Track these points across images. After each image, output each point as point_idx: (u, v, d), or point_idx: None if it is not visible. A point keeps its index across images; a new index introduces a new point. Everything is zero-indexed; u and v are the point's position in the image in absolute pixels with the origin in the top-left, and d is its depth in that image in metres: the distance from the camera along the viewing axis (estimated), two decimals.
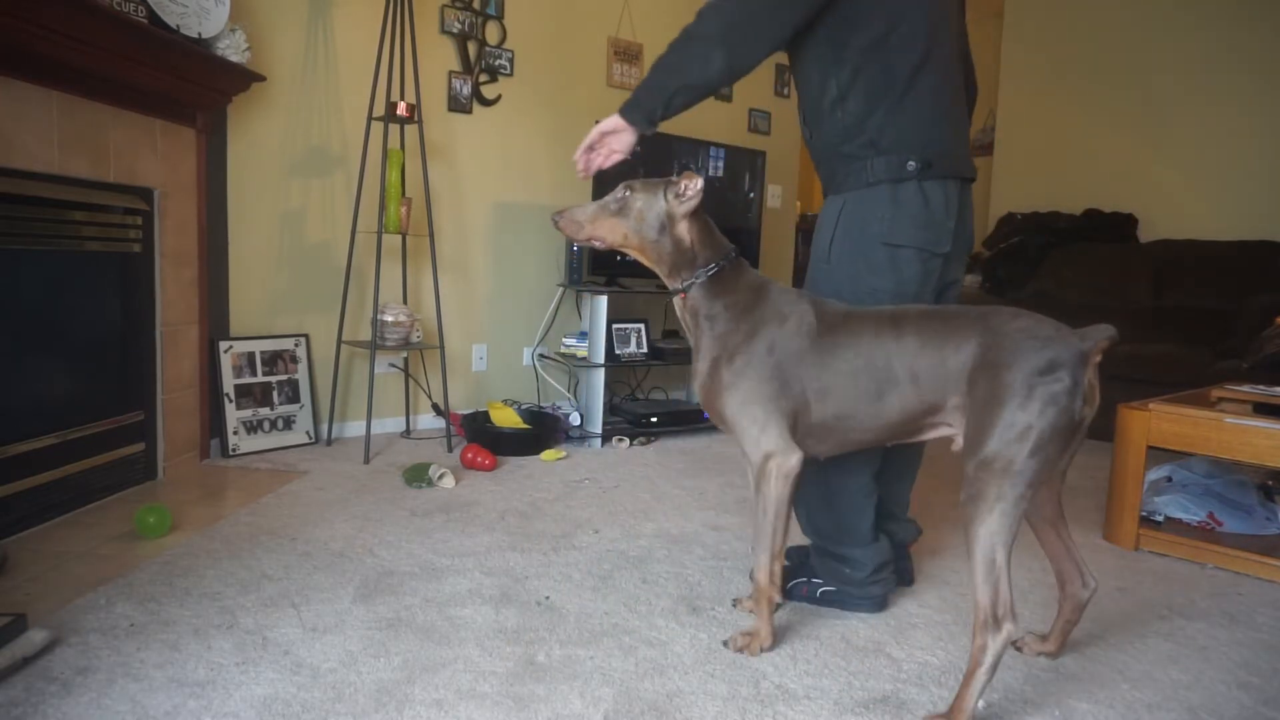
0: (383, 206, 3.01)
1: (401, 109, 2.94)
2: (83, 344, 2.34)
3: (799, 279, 3.14)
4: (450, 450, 3.12)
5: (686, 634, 1.68)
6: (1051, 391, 1.35)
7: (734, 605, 1.83)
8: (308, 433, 3.10)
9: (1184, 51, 4.57)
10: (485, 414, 3.32)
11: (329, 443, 3.13)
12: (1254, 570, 2.16)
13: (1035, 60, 5.16)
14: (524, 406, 3.49)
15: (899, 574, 1.93)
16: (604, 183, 3.38)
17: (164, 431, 2.58)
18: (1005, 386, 1.37)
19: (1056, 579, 1.63)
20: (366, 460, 2.90)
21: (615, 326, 3.47)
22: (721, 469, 3.05)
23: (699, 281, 1.63)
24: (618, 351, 3.45)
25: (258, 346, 2.99)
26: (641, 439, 3.42)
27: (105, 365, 2.41)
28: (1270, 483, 2.57)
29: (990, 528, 1.34)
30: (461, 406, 3.53)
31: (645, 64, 3.98)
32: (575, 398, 3.79)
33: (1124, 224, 4.71)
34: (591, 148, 1.72)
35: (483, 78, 3.49)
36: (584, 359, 3.40)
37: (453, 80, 3.40)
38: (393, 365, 3.37)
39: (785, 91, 4.43)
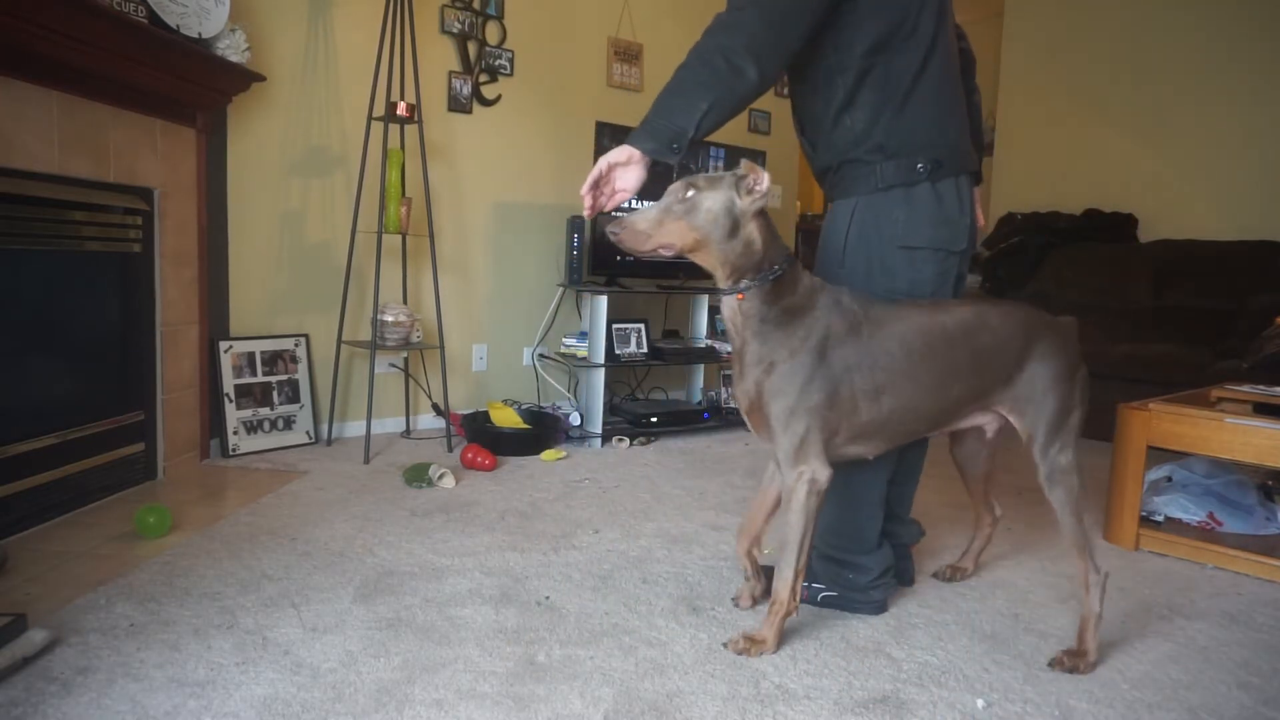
0: (383, 206, 3.01)
1: (401, 109, 2.94)
2: (83, 344, 2.33)
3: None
4: (450, 450, 3.12)
5: (686, 634, 1.68)
6: (1084, 375, 1.68)
7: (734, 603, 1.83)
8: (308, 433, 3.10)
9: (1184, 52, 4.57)
10: (485, 414, 3.32)
11: (329, 443, 3.13)
12: (1254, 570, 2.16)
13: (1035, 60, 5.16)
14: (524, 406, 3.49)
15: (900, 574, 1.93)
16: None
17: (164, 431, 2.58)
18: (1064, 373, 1.64)
19: (975, 518, 2.06)
20: (366, 460, 2.90)
21: (615, 326, 3.47)
22: (721, 469, 3.05)
23: (761, 285, 1.53)
24: (618, 351, 3.45)
25: (258, 346, 2.99)
26: (641, 439, 3.42)
27: (105, 365, 2.41)
28: (1270, 483, 2.57)
29: (1076, 492, 1.63)
30: (461, 406, 3.53)
31: (645, 64, 3.99)
32: (575, 398, 3.79)
33: (1124, 224, 4.71)
34: (597, 183, 1.57)
35: (483, 78, 3.49)
36: (584, 359, 3.40)
37: (453, 80, 3.40)
38: (393, 365, 3.37)
39: (785, 92, 4.41)
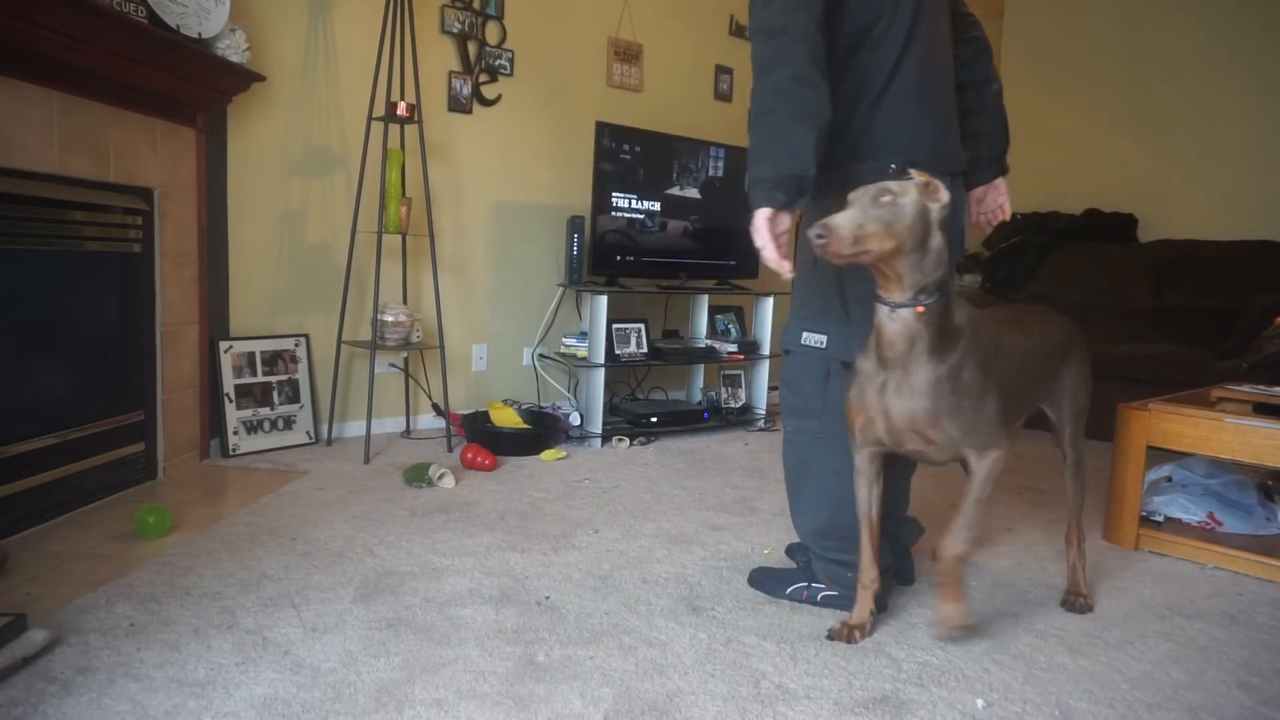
0: (383, 206, 3.01)
1: (401, 109, 2.94)
2: (83, 344, 2.33)
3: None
4: (450, 450, 3.12)
5: (686, 634, 1.68)
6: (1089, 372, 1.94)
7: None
8: (308, 433, 3.10)
9: (1184, 52, 4.57)
10: (485, 414, 3.32)
11: (329, 443, 3.13)
12: (1254, 570, 2.16)
13: (1035, 60, 5.16)
14: (524, 406, 3.49)
15: (900, 574, 1.93)
16: (604, 188, 3.39)
17: (164, 431, 2.58)
18: (1087, 371, 1.91)
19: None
20: (366, 460, 2.90)
21: (615, 326, 3.47)
22: (721, 469, 3.05)
23: (940, 300, 1.50)
24: (618, 351, 3.45)
25: (258, 346, 2.99)
26: (641, 439, 3.42)
27: (105, 365, 2.41)
28: (1270, 483, 2.57)
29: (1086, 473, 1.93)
30: (461, 406, 3.53)
31: (645, 64, 3.99)
32: (575, 398, 3.79)
33: (1124, 224, 4.71)
34: (775, 243, 1.57)
35: (483, 78, 3.50)
36: (584, 359, 3.40)
37: (453, 80, 3.40)
38: (393, 365, 3.37)
39: None
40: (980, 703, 1.46)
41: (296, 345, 3.09)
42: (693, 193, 3.69)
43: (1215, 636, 1.79)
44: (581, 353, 3.43)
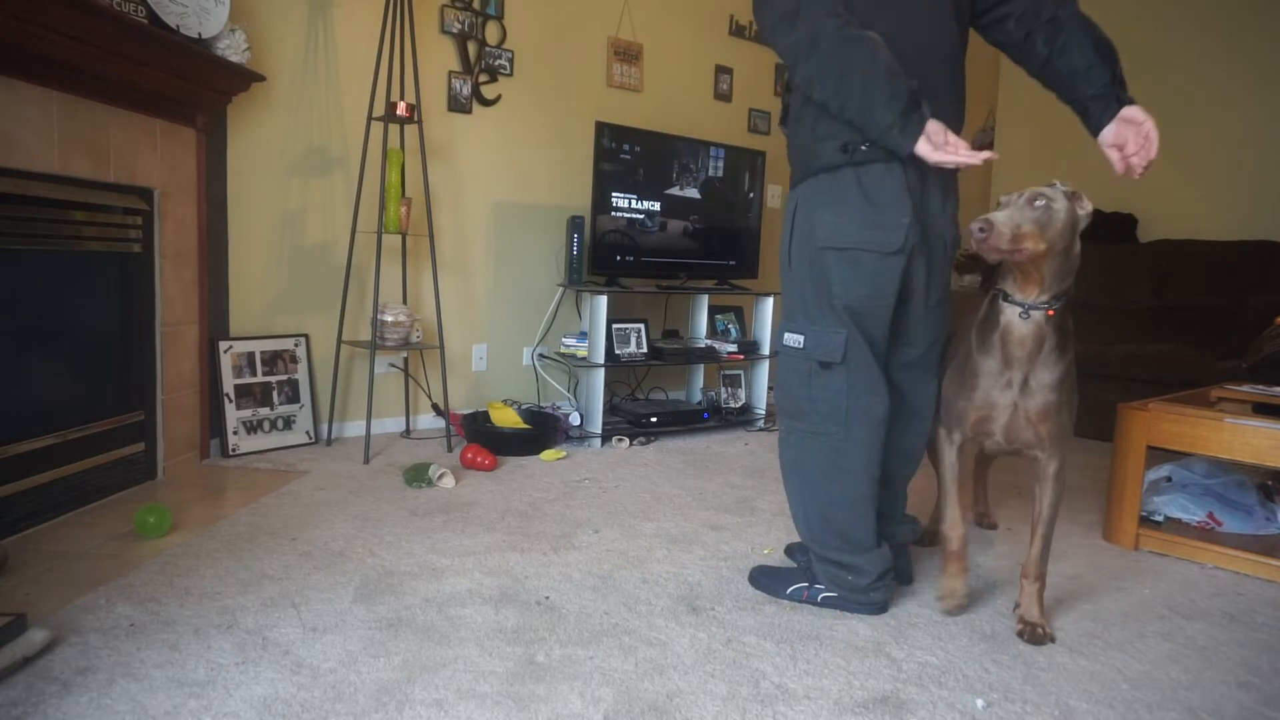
0: (383, 206, 3.01)
1: (401, 109, 2.94)
2: (83, 344, 2.33)
3: None
4: (450, 450, 3.12)
5: (686, 634, 1.68)
6: None
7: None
8: (308, 433, 3.10)
9: (1184, 51, 4.57)
10: (485, 414, 3.32)
11: (329, 443, 3.13)
12: (1254, 570, 2.16)
13: None
14: (524, 406, 3.49)
15: (898, 574, 1.92)
16: (604, 188, 3.39)
17: (164, 431, 2.58)
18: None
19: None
20: (366, 460, 2.90)
21: (615, 326, 3.47)
22: (721, 469, 3.05)
23: (1064, 302, 1.62)
24: (617, 351, 3.45)
25: (258, 346, 2.99)
26: (641, 439, 3.42)
27: (105, 365, 2.41)
28: (1270, 483, 2.58)
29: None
30: (461, 406, 3.53)
31: (645, 64, 3.99)
32: (575, 398, 3.79)
33: (1124, 224, 4.71)
34: (951, 146, 1.55)
35: (483, 78, 3.49)
36: (584, 359, 3.40)
37: (453, 80, 3.40)
38: (393, 365, 3.37)
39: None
40: (980, 703, 1.46)
41: (296, 345, 3.09)
42: (693, 193, 3.69)
43: (1215, 636, 1.79)
44: (581, 353, 3.43)
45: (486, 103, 3.52)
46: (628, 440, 3.36)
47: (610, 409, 3.62)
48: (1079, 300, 4.35)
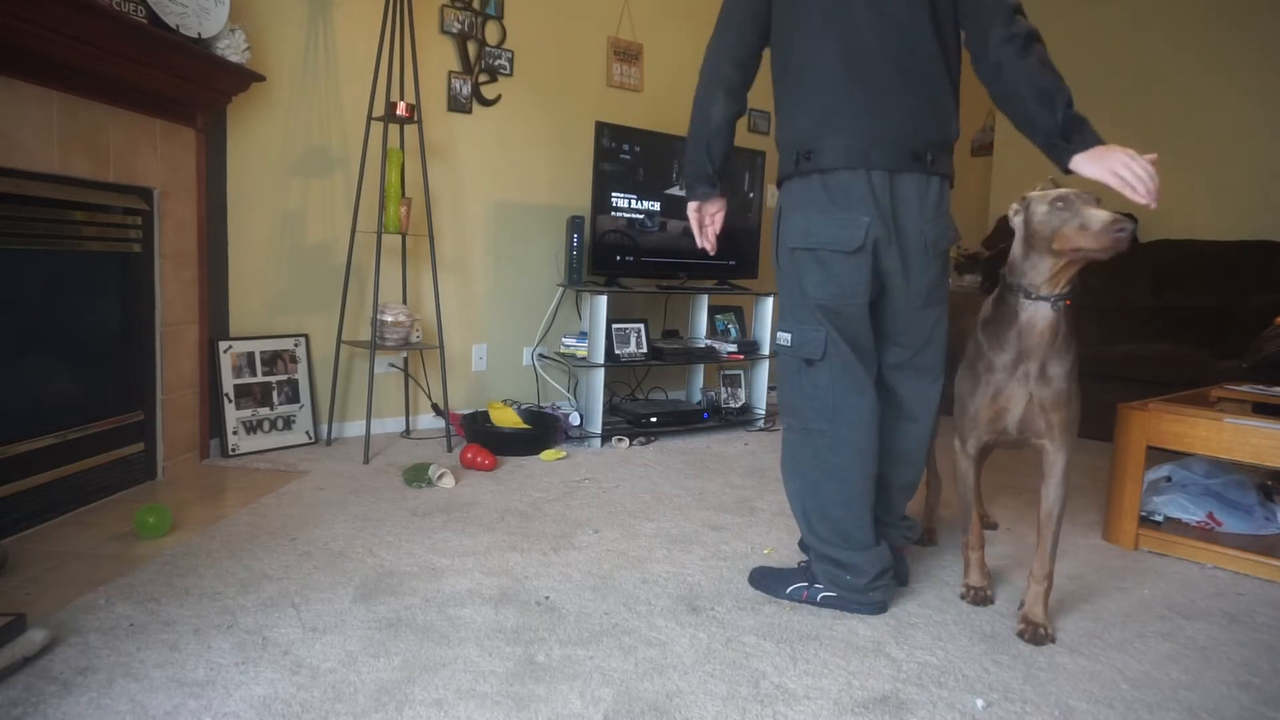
0: (382, 206, 3.01)
1: (401, 109, 2.94)
2: (83, 344, 2.33)
3: None
4: (450, 450, 3.12)
5: (686, 634, 1.68)
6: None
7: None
8: (307, 433, 3.10)
9: (1184, 51, 4.57)
10: (485, 414, 3.32)
11: (329, 443, 3.13)
12: (1254, 570, 2.16)
13: None
14: (524, 406, 3.49)
15: (897, 574, 1.92)
16: (604, 188, 3.39)
17: (164, 431, 2.58)
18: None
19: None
20: (366, 460, 2.90)
21: (615, 326, 3.47)
22: (721, 469, 3.05)
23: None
24: (617, 351, 3.45)
25: (257, 346, 2.99)
26: (641, 439, 3.42)
27: (105, 365, 2.41)
28: (1270, 483, 2.57)
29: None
30: (461, 406, 3.53)
31: (645, 64, 3.99)
32: (575, 398, 3.79)
33: None
34: (702, 229, 1.99)
35: (482, 78, 3.50)
36: (584, 359, 3.40)
37: (452, 80, 3.40)
38: (393, 365, 3.37)
39: None
40: (980, 703, 1.46)
41: (296, 345, 3.09)
42: None
43: (1215, 636, 1.79)
44: (581, 353, 3.43)
45: (486, 103, 3.52)
46: (628, 440, 3.36)
47: (610, 409, 3.62)
48: (1079, 300, 4.34)
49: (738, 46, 1.79)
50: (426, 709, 1.36)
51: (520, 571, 1.97)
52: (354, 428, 3.24)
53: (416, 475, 2.61)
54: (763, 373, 3.87)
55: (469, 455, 2.88)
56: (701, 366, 3.96)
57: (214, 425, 2.85)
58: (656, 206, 3.57)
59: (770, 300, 3.83)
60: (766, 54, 1.82)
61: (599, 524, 2.35)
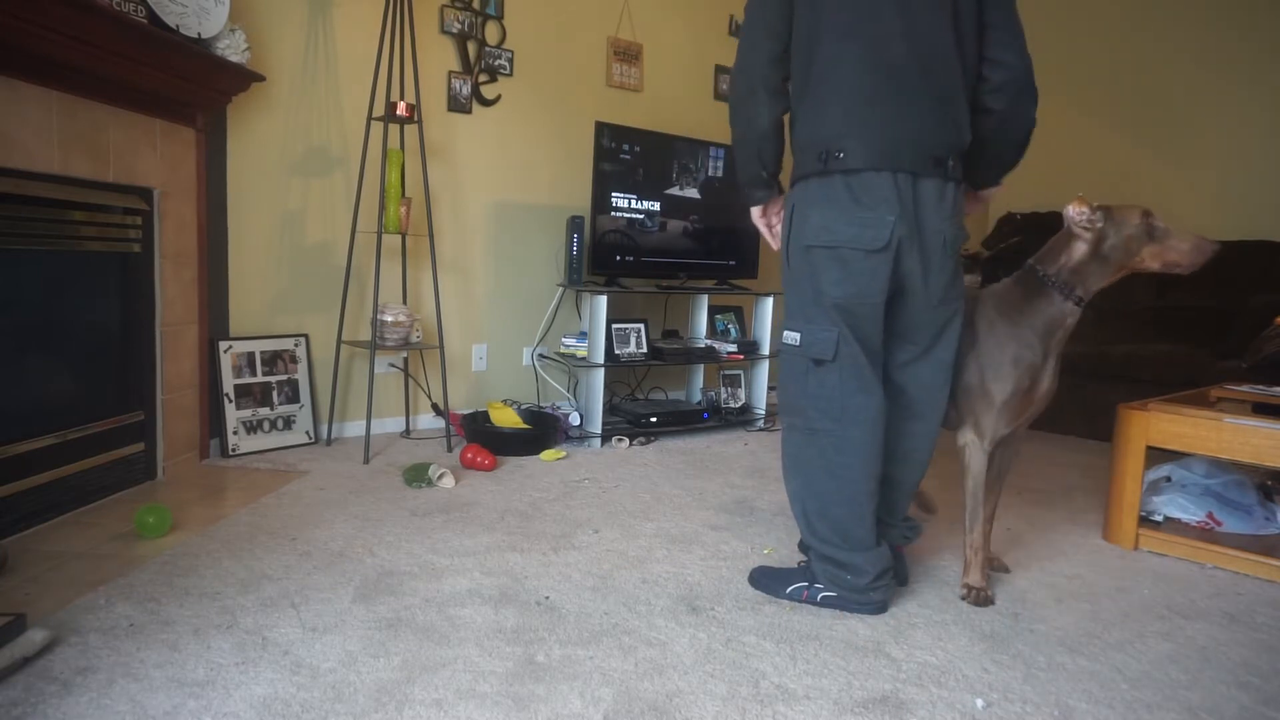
0: (382, 206, 3.01)
1: (401, 109, 2.94)
2: (83, 344, 2.34)
3: None
4: (450, 450, 3.12)
5: (686, 634, 1.68)
6: None
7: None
8: (307, 433, 3.10)
9: (1184, 51, 4.57)
10: (485, 414, 3.32)
11: (329, 443, 3.13)
12: (1254, 570, 2.16)
13: (1035, 60, 5.15)
14: (524, 406, 3.49)
15: (896, 575, 1.92)
16: (604, 188, 3.39)
17: (164, 431, 2.58)
18: None
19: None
20: (366, 460, 2.90)
21: (615, 326, 3.47)
22: (721, 469, 3.05)
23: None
24: (617, 351, 3.45)
25: (257, 346, 2.99)
26: (641, 439, 3.42)
27: (105, 365, 2.41)
28: (1270, 483, 2.58)
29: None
30: (461, 406, 3.53)
31: (645, 64, 3.99)
32: (575, 398, 3.79)
33: None
34: (771, 230, 1.97)
35: (482, 78, 3.50)
36: (584, 359, 3.40)
37: (452, 80, 3.40)
38: (393, 365, 3.37)
39: None
40: (980, 703, 1.46)
41: (296, 345, 3.09)
42: (692, 193, 3.69)
43: (1215, 636, 1.79)
44: (581, 353, 3.43)
45: (486, 103, 3.52)
46: (628, 440, 3.36)
47: (610, 409, 3.62)
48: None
49: (772, 44, 1.74)
50: (426, 709, 1.36)
51: (520, 571, 1.97)
52: (354, 428, 3.24)
53: (416, 475, 2.61)
54: (763, 373, 3.87)
55: (469, 455, 2.88)
56: (701, 366, 3.96)
57: (214, 425, 2.85)
58: (656, 206, 3.57)
59: (770, 300, 3.83)
60: None
61: (599, 524, 2.35)
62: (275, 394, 3.02)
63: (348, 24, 3.11)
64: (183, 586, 1.79)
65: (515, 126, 3.62)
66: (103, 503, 2.31)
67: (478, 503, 2.49)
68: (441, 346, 3.23)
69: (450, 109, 3.41)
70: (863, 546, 1.77)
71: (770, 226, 1.95)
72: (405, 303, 3.30)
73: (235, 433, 2.88)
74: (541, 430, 3.22)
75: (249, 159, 2.94)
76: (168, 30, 2.33)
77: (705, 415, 3.67)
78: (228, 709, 1.33)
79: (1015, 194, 5.20)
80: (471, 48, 3.44)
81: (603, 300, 3.29)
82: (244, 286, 2.97)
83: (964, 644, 1.69)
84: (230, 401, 2.88)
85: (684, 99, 4.17)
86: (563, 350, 3.58)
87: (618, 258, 3.49)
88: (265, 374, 3.00)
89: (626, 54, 3.93)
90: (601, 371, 3.35)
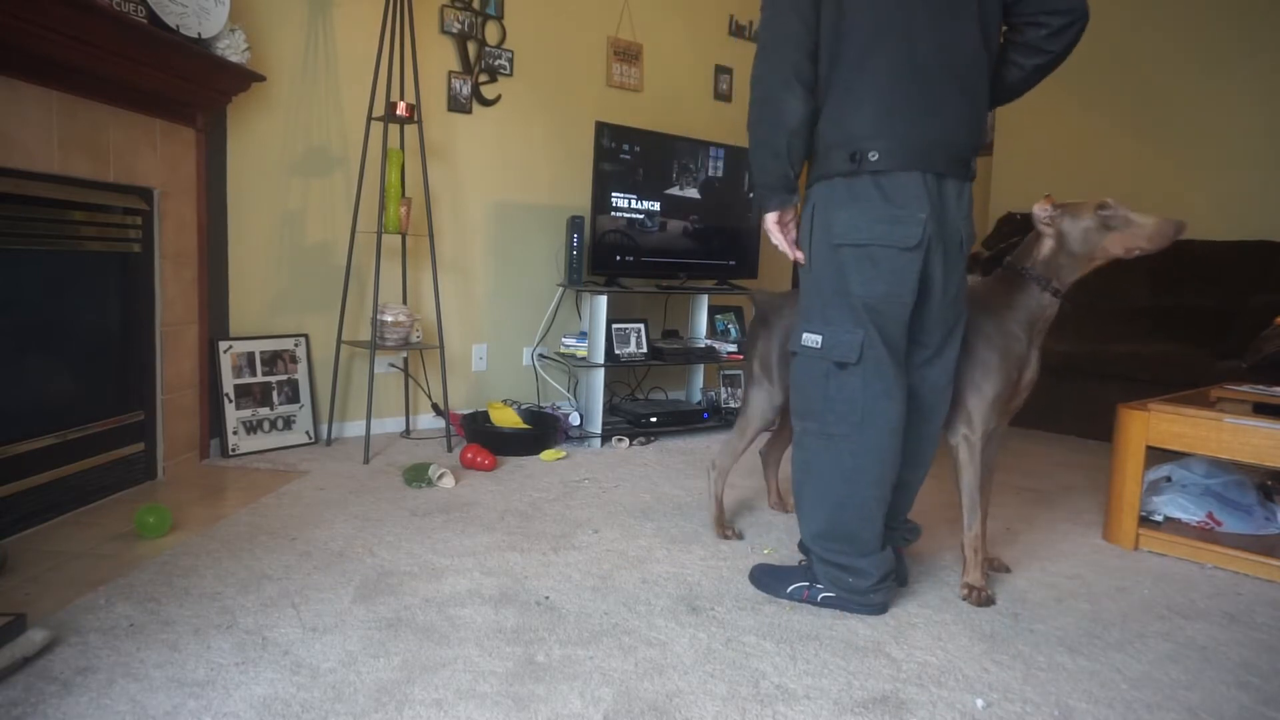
0: (382, 206, 3.01)
1: (401, 109, 2.94)
2: (83, 344, 2.34)
3: (797, 279, 3.13)
4: (450, 450, 3.12)
5: (686, 634, 1.68)
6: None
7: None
8: (307, 433, 3.10)
9: (1184, 51, 4.57)
10: (485, 414, 3.32)
11: (329, 443, 3.13)
12: (1254, 570, 2.16)
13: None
14: (524, 406, 3.49)
15: (896, 575, 1.92)
16: (604, 188, 3.39)
17: (164, 431, 2.58)
18: None
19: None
20: (366, 460, 2.90)
21: (615, 326, 3.47)
22: None
23: None
24: (617, 351, 3.45)
25: (257, 346, 2.99)
26: (641, 439, 3.42)
27: (105, 365, 2.41)
28: (1270, 483, 2.57)
29: None
30: (461, 406, 3.53)
31: (645, 64, 3.99)
32: (575, 398, 3.79)
33: None
34: (786, 237, 1.84)
35: (482, 78, 3.50)
36: (584, 359, 3.40)
37: (452, 80, 3.40)
38: (392, 365, 3.37)
39: None
40: (980, 703, 1.46)
41: (296, 345, 3.09)
42: (692, 193, 3.69)
43: (1215, 636, 1.79)
44: (581, 353, 3.43)
45: (486, 103, 3.52)
46: (628, 440, 3.36)
47: (610, 409, 3.62)
48: (1079, 300, 4.36)
49: (805, 33, 1.65)
50: (426, 709, 1.36)
51: (520, 571, 1.97)
52: (354, 428, 3.24)
53: (416, 475, 2.61)
54: None
55: (469, 455, 2.88)
56: (701, 366, 3.96)
57: (214, 425, 2.85)
58: (656, 206, 3.57)
59: None
60: None
61: (599, 524, 2.35)
62: (275, 394, 3.02)
63: (348, 24, 3.11)
64: (183, 586, 1.79)
65: (515, 126, 3.62)
66: (103, 503, 2.31)
67: (478, 503, 2.49)
68: (441, 346, 3.24)
69: (450, 109, 3.41)
70: (869, 551, 1.76)
71: (788, 235, 1.81)
72: (405, 303, 3.30)
73: (235, 433, 2.88)
74: (541, 430, 3.22)
75: (249, 159, 2.94)
76: (168, 30, 2.33)
77: (705, 415, 3.67)
78: (228, 709, 1.33)
79: (1015, 194, 5.20)
80: (471, 48, 3.44)
81: (603, 300, 3.29)
82: (244, 286, 2.97)
83: (964, 644, 1.69)
84: (230, 401, 2.88)
85: (684, 99, 4.17)
86: (563, 350, 3.58)
87: (618, 258, 3.49)
88: (265, 374, 3.00)
89: (626, 54, 3.93)
90: (601, 371, 3.35)
